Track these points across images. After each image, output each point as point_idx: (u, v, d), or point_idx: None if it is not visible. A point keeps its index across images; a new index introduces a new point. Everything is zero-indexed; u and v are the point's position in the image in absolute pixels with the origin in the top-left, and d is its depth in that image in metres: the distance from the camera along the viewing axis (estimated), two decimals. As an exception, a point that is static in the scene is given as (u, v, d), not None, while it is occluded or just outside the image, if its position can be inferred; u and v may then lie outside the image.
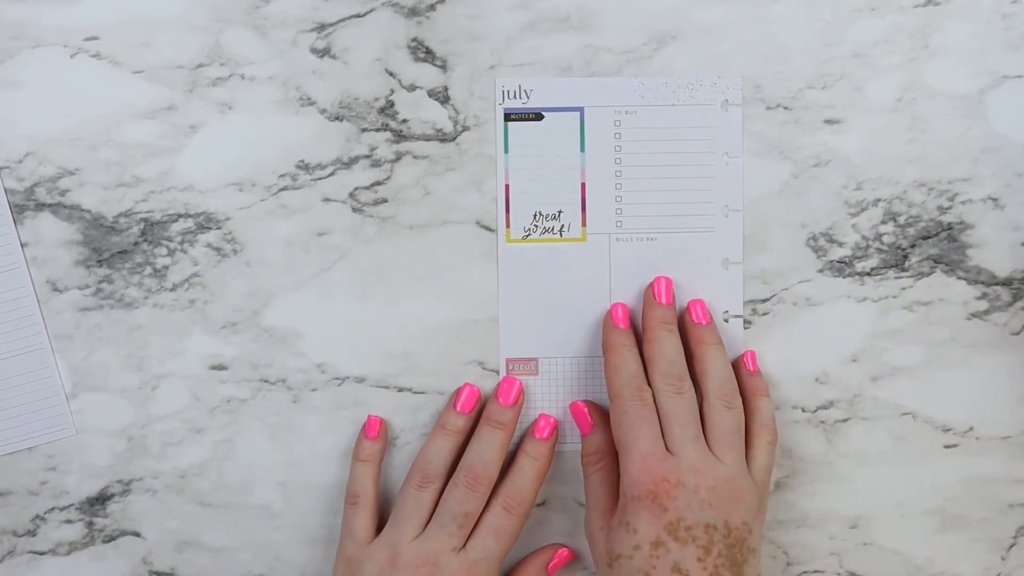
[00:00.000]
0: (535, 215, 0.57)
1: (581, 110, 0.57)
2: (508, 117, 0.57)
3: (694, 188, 0.57)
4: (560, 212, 0.57)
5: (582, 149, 0.57)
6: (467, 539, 0.53)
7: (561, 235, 0.57)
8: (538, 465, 0.55)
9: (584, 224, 0.57)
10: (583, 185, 0.57)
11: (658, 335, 0.54)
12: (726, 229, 0.57)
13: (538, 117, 0.57)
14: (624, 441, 0.51)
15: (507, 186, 0.57)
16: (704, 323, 0.56)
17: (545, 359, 0.58)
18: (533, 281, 0.57)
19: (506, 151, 0.57)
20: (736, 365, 0.56)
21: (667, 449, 0.51)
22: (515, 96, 0.56)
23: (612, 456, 0.54)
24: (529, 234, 0.57)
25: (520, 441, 0.57)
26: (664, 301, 0.56)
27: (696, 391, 0.54)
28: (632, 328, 0.56)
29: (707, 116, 0.57)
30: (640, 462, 0.50)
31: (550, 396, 0.58)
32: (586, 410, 0.56)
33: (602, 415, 0.56)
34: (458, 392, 0.57)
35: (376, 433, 0.57)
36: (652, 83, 0.56)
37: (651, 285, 0.56)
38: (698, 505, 0.48)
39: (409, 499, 0.54)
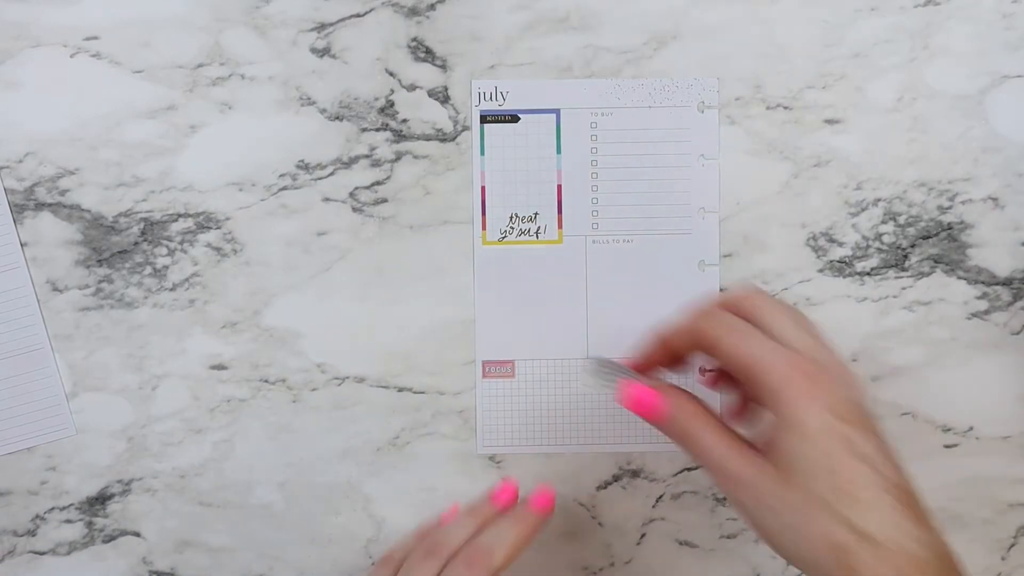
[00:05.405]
0: (511, 217, 0.57)
1: (557, 112, 0.57)
2: (484, 119, 0.57)
3: (670, 190, 0.57)
4: (536, 214, 0.57)
5: (558, 151, 0.57)
6: None
7: (537, 237, 0.57)
8: (518, 530, 0.49)
9: (560, 226, 0.57)
10: (559, 187, 0.57)
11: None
12: (702, 231, 0.57)
13: (514, 119, 0.57)
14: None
15: (483, 188, 0.57)
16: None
17: (521, 361, 0.58)
18: (509, 283, 0.57)
19: (482, 153, 0.57)
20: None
21: None
22: (491, 98, 0.56)
23: None
24: (505, 236, 0.57)
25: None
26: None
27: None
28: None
29: (683, 118, 0.57)
30: None
31: (526, 399, 0.58)
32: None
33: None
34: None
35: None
36: (628, 85, 0.56)
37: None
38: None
39: (414, 571, 0.48)
